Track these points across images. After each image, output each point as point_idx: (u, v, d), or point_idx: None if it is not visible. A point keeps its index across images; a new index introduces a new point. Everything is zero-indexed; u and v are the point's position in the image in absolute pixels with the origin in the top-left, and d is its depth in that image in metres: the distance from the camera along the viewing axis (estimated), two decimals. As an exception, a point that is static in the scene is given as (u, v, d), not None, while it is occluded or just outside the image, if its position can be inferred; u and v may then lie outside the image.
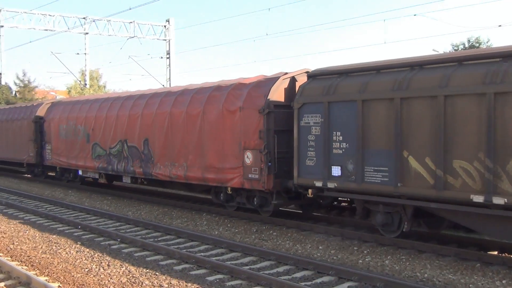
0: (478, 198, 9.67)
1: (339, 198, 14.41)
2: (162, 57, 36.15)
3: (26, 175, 29.08)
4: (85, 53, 35.16)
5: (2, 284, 9.17)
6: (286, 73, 14.49)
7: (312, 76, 13.37)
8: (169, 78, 35.56)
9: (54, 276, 9.62)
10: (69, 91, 64.01)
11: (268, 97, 13.84)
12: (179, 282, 9.18)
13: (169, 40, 35.38)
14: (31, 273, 9.39)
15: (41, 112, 26.05)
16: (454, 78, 10.10)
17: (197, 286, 8.97)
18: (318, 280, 9.36)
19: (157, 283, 9.11)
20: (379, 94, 11.28)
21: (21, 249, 11.90)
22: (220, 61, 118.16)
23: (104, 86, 65.04)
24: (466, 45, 41.68)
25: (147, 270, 9.96)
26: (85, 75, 38.80)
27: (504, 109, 9.31)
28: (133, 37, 34.36)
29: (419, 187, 10.57)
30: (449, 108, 10.06)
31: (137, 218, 15.69)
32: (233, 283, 9.22)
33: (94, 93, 54.49)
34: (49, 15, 32.53)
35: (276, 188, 13.82)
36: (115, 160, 19.67)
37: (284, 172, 13.74)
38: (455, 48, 41.98)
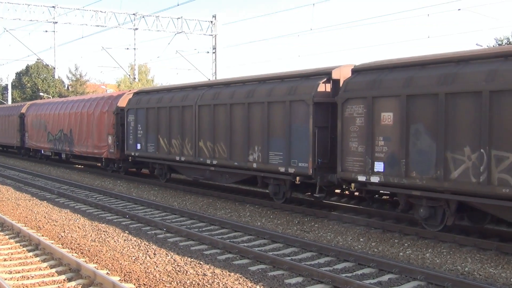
0: (180, 158, 19.15)
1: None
2: (208, 52, 36.49)
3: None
4: (134, 48, 35.89)
5: (54, 270, 9.49)
6: (130, 90, 24.90)
7: (136, 93, 23.26)
8: (215, 72, 35.85)
9: (103, 264, 9.90)
10: (119, 85, 65.23)
11: (117, 104, 23.86)
12: (222, 271, 9.34)
13: (215, 35, 35.67)
14: (81, 260, 9.68)
15: (23, 110, 36.13)
16: (173, 99, 19.97)
17: (239, 275, 9.10)
18: (359, 272, 9.41)
19: (201, 271, 9.30)
20: (152, 105, 20.94)
21: (71, 237, 12.28)
22: (265, 56, 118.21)
23: (152, 80, 66.05)
24: (511, 40, 40.66)
25: (192, 259, 10.16)
26: (134, 69, 39.57)
27: (185, 114, 18.88)
28: (180, 32, 34.79)
29: (163, 154, 20.22)
30: (171, 113, 19.73)
31: (182, 209, 15.98)
32: (275, 273, 9.33)
33: (142, 87, 55.51)
34: (101, 11, 33.35)
35: (122, 158, 23.54)
36: (57, 143, 30.23)
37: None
38: (499, 42, 40.96)
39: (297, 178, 14.22)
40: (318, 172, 13.76)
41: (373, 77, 12.57)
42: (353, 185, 13.02)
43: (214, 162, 17.38)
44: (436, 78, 11.10)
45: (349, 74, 13.61)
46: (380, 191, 14.41)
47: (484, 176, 10.11)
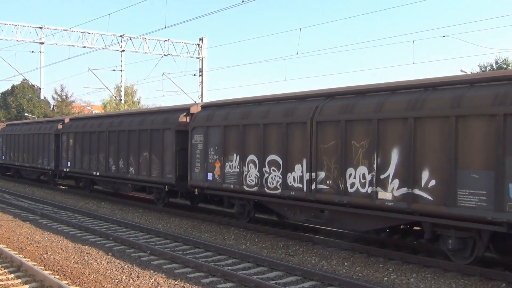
0: (17, 163, 34.09)
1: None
2: (195, 75, 36.61)
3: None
4: (121, 70, 35.89)
5: (36, 292, 9.43)
6: (5, 123, 39.11)
7: (7, 124, 37.32)
8: (201, 95, 35.96)
9: (85, 286, 9.80)
10: (105, 106, 65.15)
11: None
12: (206, 294, 9.30)
13: (202, 58, 35.87)
14: (63, 283, 9.59)
15: None
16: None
17: (223, 299, 9.10)
18: (343, 296, 9.42)
19: (185, 295, 9.26)
20: (9, 133, 35.52)
21: (54, 258, 12.18)
22: (251, 79, 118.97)
23: (139, 102, 66.05)
24: (494, 66, 41.23)
25: (176, 282, 10.09)
26: (121, 91, 39.56)
27: (19, 138, 34.07)
28: (167, 54, 34.93)
29: (12, 161, 35.21)
30: (14, 138, 34.61)
31: (166, 231, 15.90)
32: (258, 296, 9.32)
33: (128, 108, 55.46)
34: (88, 33, 33.44)
35: None
36: None
37: None
38: (483, 69, 41.52)
39: (50, 172, 28.84)
40: (57, 169, 27.62)
41: (77, 123, 26.23)
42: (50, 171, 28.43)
43: (27, 165, 31.64)
44: (107, 124, 23.35)
45: (68, 120, 27.65)
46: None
47: (114, 168, 22.23)
